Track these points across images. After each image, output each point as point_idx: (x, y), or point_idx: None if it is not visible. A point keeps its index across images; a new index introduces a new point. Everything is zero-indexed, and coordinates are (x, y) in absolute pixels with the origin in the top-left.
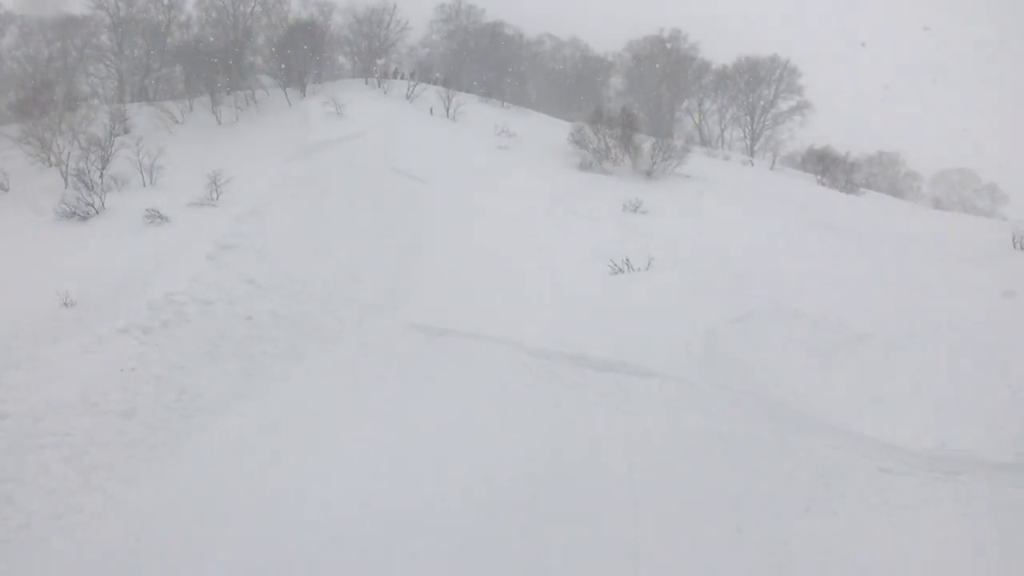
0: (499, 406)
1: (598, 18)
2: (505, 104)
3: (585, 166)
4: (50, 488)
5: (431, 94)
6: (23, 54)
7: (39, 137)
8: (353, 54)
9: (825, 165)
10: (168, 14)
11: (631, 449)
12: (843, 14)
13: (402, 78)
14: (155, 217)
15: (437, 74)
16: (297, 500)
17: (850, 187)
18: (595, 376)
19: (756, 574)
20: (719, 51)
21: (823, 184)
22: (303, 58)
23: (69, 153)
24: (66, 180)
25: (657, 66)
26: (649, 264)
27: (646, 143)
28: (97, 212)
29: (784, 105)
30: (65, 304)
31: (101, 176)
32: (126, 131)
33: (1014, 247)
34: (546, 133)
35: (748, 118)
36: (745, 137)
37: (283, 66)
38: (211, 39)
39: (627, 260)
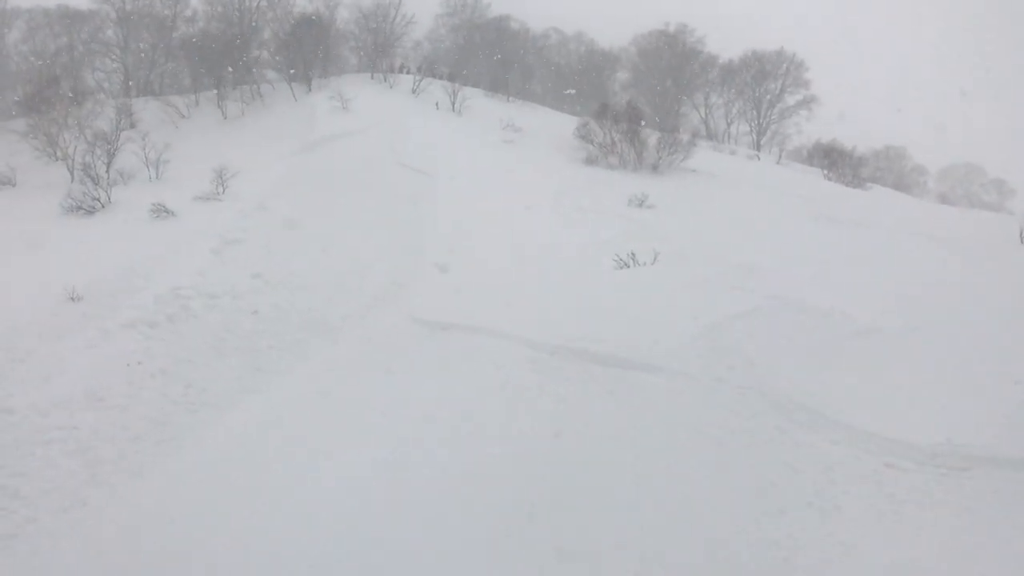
0: (503, 400)
1: (604, 12)
2: (511, 98)
3: (591, 160)
4: (56, 482)
5: (437, 88)
6: (29, 49)
7: (45, 132)
8: (359, 48)
9: (832, 159)
10: (174, 8)
11: (635, 444)
12: (851, 8)
13: (408, 72)
14: (161, 211)
15: (443, 68)
16: (302, 494)
17: (857, 181)
18: (599, 371)
19: (761, 569)
20: (725, 46)
21: (829, 179)
22: (309, 53)
23: (75, 148)
24: (72, 174)
25: (663, 60)
26: (655, 259)
27: (652, 137)
28: (103, 206)
29: (791, 99)
30: (71, 298)
31: (107, 170)
32: (132, 125)
33: (1022, 242)
34: (552, 127)
35: (754, 112)
36: (751, 131)
37: (289, 61)
38: (217, 33)
39: (632, 254)
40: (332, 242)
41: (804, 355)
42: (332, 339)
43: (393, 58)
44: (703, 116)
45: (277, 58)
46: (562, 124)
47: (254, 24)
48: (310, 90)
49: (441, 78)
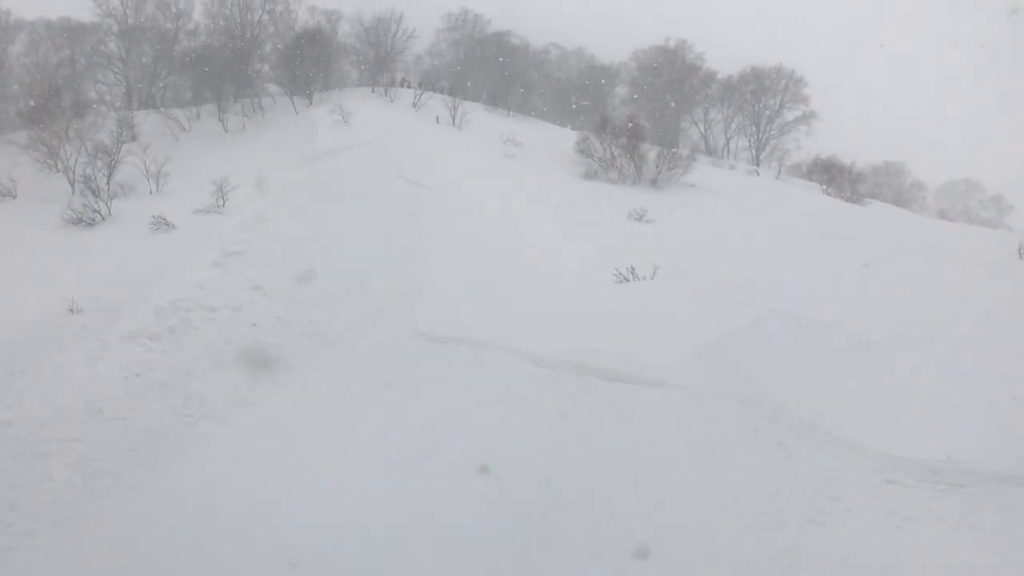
0: (504, 415)
1: (604, 28)
2: (511, 113)
3: (591, 175)
4: (55, 494)
5: (437, 103)
6: (32, 61)
7: (47, 144)
8: (360, 63)
9: (831, 175)
10: (176, 22)
11: (636, 458)
12: (852, 24)
13: (409, 87)
14: (161, 224)
15: (443, 83)
16: (300, 507)
17: (856, 197)
18: (600, 385)
19: None
20: (725, 61)
21: (829, 194)
22: (310, 66)
23: (76, 160)
24: (73, 187)
25: (663, 76)
26: (654, 273)
27: (651, 152)
28: (104, 219)
29: (790, 115)
30: (71, 310)
31: (108, 183)
32: (133, 138)
33: (1020, 258)
34: (552, 142)
35: (754, 128)
36: (751, 147)
37: (290, 74)
38: (218, 47)
39: (632, 269)
40: (333, 255)
41: (804, 369)
42: (332, 352)
43: (394, 72)
44: (702, 131)
45: (278, 72)
46: (562, 139)
47: (256, 38)
48: (311, 104)
49: (442, 92)
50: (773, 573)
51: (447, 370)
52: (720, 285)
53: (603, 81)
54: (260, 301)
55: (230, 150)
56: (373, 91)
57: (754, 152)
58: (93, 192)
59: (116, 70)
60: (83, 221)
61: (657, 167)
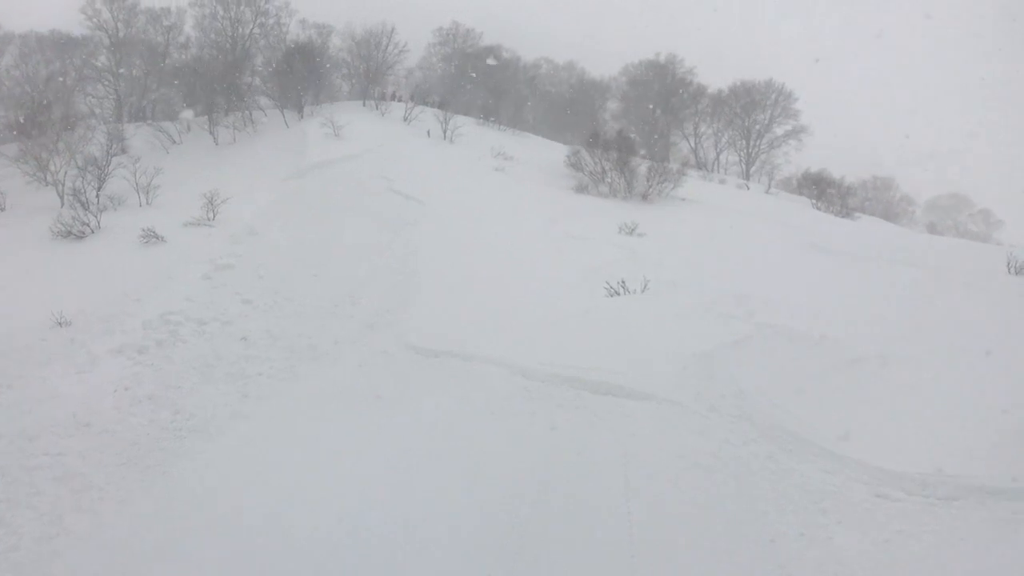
0: (495, 428)
1: (595, 43)
2: (502, 127)
3: (581, 188)
4: (41, 509)
5: (428, 116)
6: (21, 74)
7: (36, 156)
8: (351, 76)
9: (820, 189)
10: (167, 35)
11: (627, 472)
12: (841, 39)
13: (400, 100)
14: (151, 237)
15: (434, 97)
16: (290, 520)
17: (845, 211)
18: (591, 399)
19: None
20: (715, 76)
21: (818, 208)
22: (301, 80)
23: (66, 172)
24: (62, 199)
25: (653, 90)
26: (645, 287)
27: (642, 166)
28: (93, 231)
29: (780, 129)
30: (59, 323)
31: (97, 196)
32: (123, 151)
33: (1008, 272)
34: (543, 156)
35: (744, 142)
36: (741, 161)
37: (281, 87)
38: (209, 60)
39: (623, 283)
40: (323, 268)
41: (795, 383)
42: (322, 365)
43: (385, 86)
44: (693, 145)
45: (269, 85)
46: (553, 152)
47: (247, 51)
48: (302, 117)
49: (433, 106)
50: None
51: (438, 383)
52: (711, 299)
53: (595, 95)
54: (250, 314)
55: (220, 163)
56: (364, 105)
57: (744, 166)
58: (83, 205)
59: (106, 83)
60: (72, 234)
61: (648, 181)
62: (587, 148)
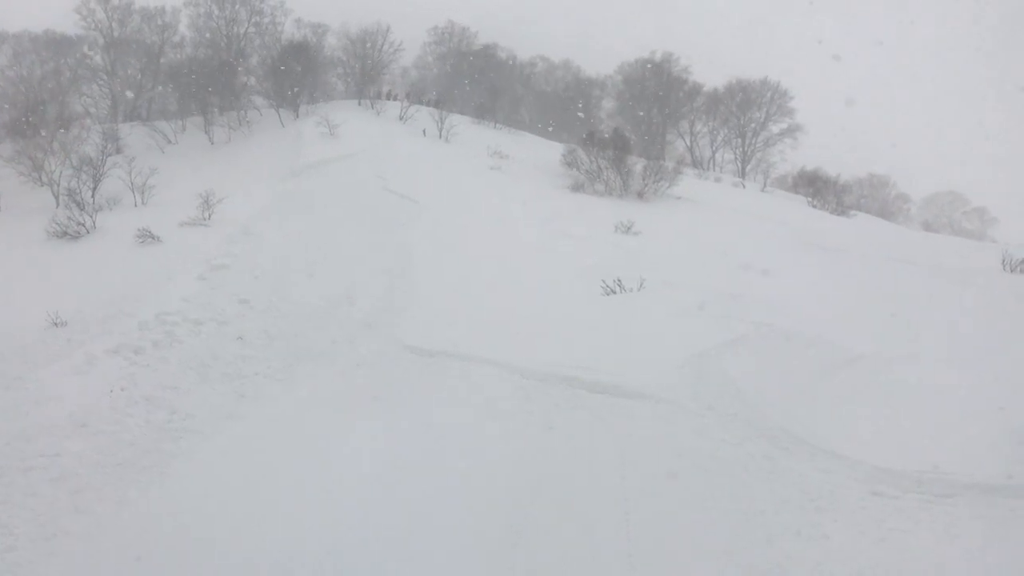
0: (492, 428)
1: (590, 41)
2: (497, 125)
3: (577, 187)
4: (38, 510)
5: (424, 115)
6: (16, 74)
7: (31, 157)
8: (346, 75)
9: (816, 187)
10: (162, 35)
11: (623, 471)
12: (837, 36)
13: (395, 99)
14: (147, 237)
15: (430, 96)
16: (287, 521)
17: (841, 209)
18: (588, 398)
19: None
20: (711, 74)
21: (814, 206)
22: (296, 79)
23: (61, 173)
24: (57, 200)
25: (648, 88)
26: (641, 285)
27: (638, 165)
28: (88, 232)
29: (775, 128)
30: (55, 324)
31: (93, 196)
32: (118, 151)
33: (1004, 269)
34: (538, 155)
35: (739, 140)
36: (736, 159)
37: (276, 87)
38: (204, 59)
39: (619, 281)
40: (319, 268)
41: (791, 382)
42: (319, 365)
43: (381, 85)
44: (688, 144)
45: (265, 84)
46: (548, 151)
47: (242, 50)
48: (297, 116)
49: (428, 105)
50: None
51: (434, 383)
52: (707, 298)
53: (590, 94)
54: (246, 314)
55: (216, 162)
56: (360, 104)
57: (740, 164)
58: (78, 205)
59: (101, 82)
60: (68, 234)
61: (643, 179)
62: (583, 146)
